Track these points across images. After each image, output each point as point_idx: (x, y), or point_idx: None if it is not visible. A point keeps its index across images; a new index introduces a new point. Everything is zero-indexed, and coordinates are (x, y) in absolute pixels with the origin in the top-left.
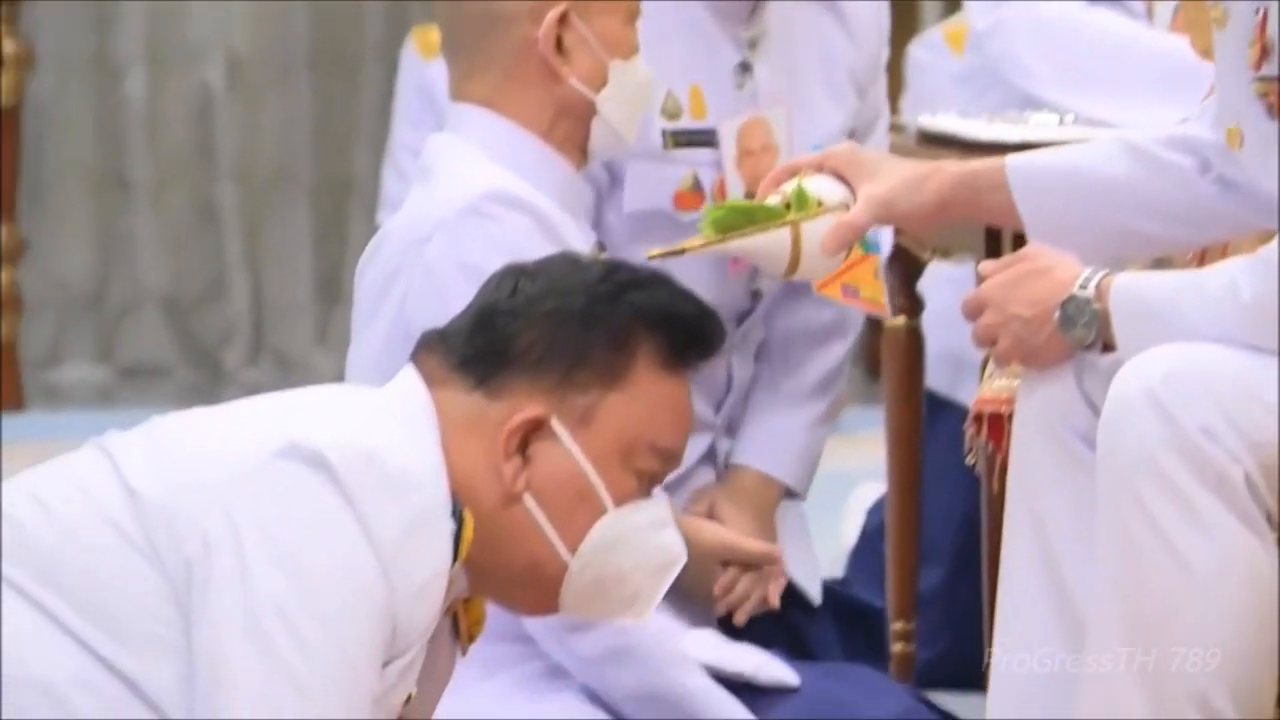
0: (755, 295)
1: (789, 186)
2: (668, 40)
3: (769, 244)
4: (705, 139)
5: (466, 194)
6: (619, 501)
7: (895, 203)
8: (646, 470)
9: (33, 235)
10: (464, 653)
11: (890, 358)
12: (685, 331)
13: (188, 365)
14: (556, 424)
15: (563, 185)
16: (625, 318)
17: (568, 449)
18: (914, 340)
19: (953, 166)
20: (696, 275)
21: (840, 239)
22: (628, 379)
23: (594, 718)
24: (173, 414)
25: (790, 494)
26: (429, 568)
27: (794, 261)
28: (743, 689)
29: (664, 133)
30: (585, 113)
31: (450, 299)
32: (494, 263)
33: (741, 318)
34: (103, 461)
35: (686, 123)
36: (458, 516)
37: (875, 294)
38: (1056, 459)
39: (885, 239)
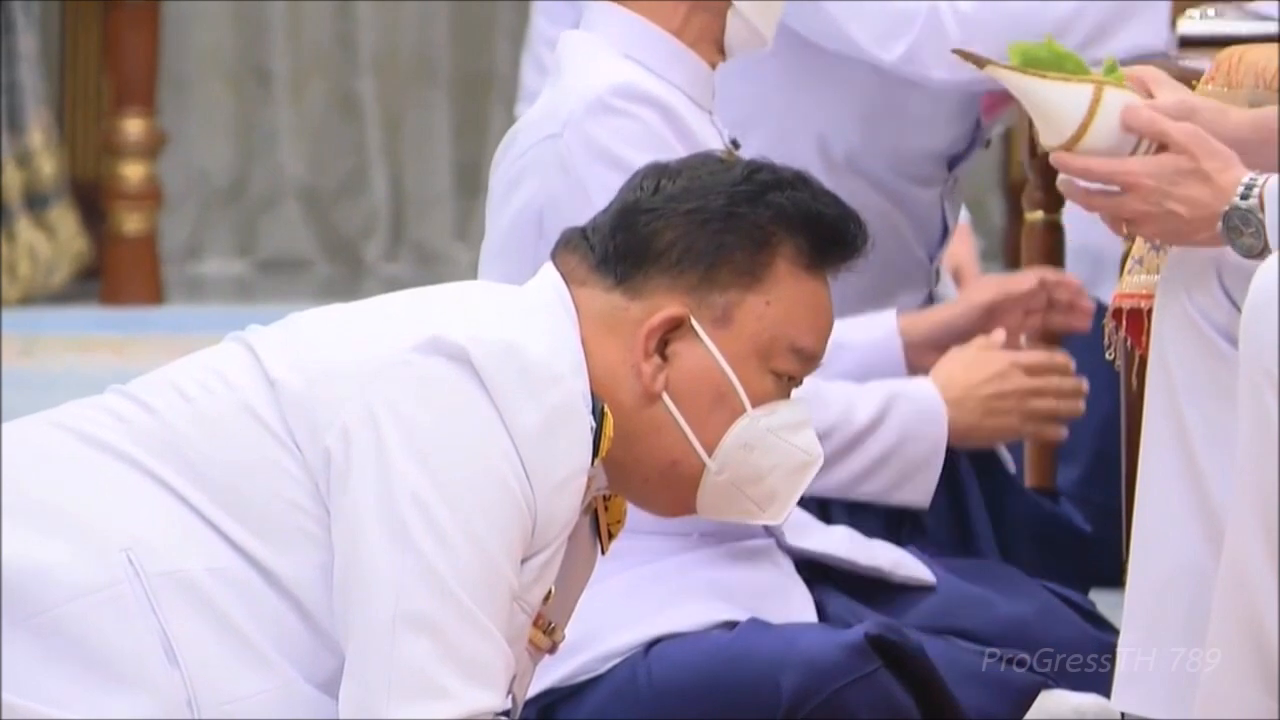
0: (973, 141)
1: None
2: None
3: (1067, 96)
4: None
5: (594, 88)
6: (757, 402)
7: (1199, 110)
8: (785, 371)
9: (173, 128)
10: (604, 551)
11: (1030, 252)
12: (826, 233)
13: (327, 258)
14: (696, 323)
15: (695, 81)
16: (766, 218)
17: (707, 349)
18: (1054, 235)
19: (1250, 111)
20: (935, 107)
21: (1138, 119)
22: (767, 280)
23: (730, 613)
24: (313, 308)
25: None
26: (569, 463)
27: (1085, 124)
28: (879, 586)
29: None
30: (719, 7)
31: (590, 190)
32: (624, 154)
33: (954, 161)
34: (243, 354)
35: None
36: (598, 413)
37: None
38: (1197, 355)
39: None
